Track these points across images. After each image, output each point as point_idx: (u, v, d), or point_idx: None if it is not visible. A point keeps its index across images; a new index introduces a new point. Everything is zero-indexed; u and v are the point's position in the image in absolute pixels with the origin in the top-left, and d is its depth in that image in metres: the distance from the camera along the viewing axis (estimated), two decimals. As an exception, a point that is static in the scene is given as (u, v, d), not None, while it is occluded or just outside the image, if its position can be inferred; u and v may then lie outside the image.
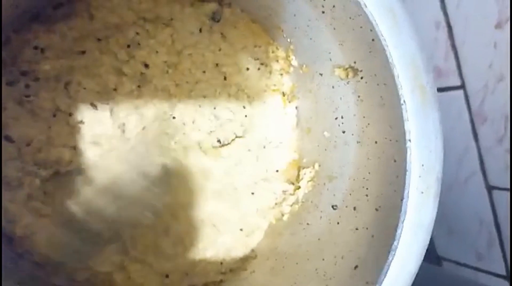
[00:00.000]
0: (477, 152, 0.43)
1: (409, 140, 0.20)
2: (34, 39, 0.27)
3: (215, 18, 0.30)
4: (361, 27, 0.22)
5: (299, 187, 0.32)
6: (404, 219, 0.19)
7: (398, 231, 0.19)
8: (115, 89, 0.29)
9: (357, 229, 0.25)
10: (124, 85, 0.29)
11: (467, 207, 0.47)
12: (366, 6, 0.19)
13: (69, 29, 0.28)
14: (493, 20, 0.36)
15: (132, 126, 0.29)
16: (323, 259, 0.26)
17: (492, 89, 0.39)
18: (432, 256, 0.55)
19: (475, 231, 0.47)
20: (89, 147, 0.28)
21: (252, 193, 0.32)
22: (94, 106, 0.28)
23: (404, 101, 0.19)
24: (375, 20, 0.19)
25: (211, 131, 0.31)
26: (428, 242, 0.20)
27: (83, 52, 0.28)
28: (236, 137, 0.32)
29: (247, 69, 0.31)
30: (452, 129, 0.45)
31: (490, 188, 0.44)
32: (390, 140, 0.23)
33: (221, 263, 0.31)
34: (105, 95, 0.28)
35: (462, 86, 0.42)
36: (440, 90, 0.44)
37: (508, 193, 0.42)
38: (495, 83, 0.38)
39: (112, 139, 0.28)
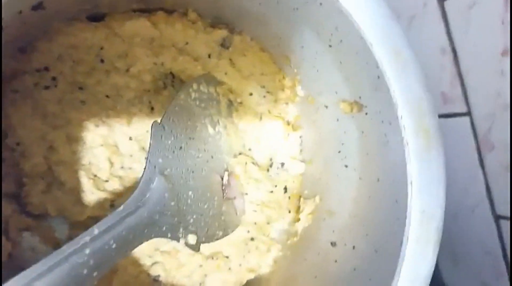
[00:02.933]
0: (484, 181, 0.42)
1: (411, 183, 0.19)
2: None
3: (224, 45, 0.30)
4: (367, 63, 0.21)
5: (299, 219, 0.31)
6: (401, 268, 0.18)
7: (395, 279, 0.18)
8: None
9: (355, 269, 0.24)
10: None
11: (474, 236, 0.46)
12: (372, 46, 0.18)
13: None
14: (499, 48, 0.35)
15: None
16: (318, 298, 0.25)
17: (499, 117, 0.38)
18: (438, 285, 0.54)
19: (481, 261, 0.46)
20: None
21: (255, 223, 0.31)
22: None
23: (407, 143, 0.19)
24: (381, 61, 0.18)
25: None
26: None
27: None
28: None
29: (250, 94, 0.31)
30: (457, 157, 0.44)
31: (497, 218, 0.42)
32: (393, 180, 0.22)
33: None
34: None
35: (468, 113, 0.41)
36: (445, 116, 0.43)
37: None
38: (502, 111, 0.37)
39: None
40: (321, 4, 0.21)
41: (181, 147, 0.27)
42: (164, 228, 0.23)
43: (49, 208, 0.28)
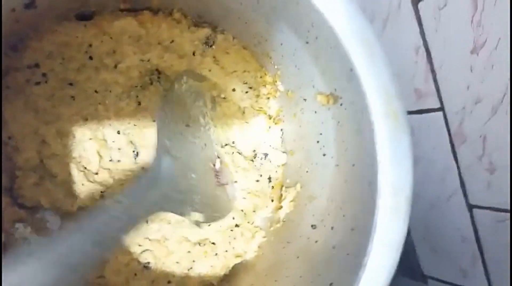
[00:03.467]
0: (457, 172, 0.45)
1: (380, 162, 0.21)
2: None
3: (208, 43, 0.32)
4: (340, 57, 0.23)
5: (281, 207, 0.33)
6: (373, 237, 0.20)
7: (369, 247, 0.20)
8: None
9: (333, 247, 0.26)
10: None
11: (450, 225, 0.48)
12: (343, 39, 0.21)
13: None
14: (469, 45, 0.38)
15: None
16: (301, 277, 0.27)
17: (469, 111, 0.40)
18: (417, 274, 0.56)
19: (458, 249, 0.48)
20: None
21: (242, 210, 0.33)
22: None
23: (377, 126, 0.21)
24: (352, 53, 0.21)
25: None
26: (398, 259, 0.21)
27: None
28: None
29: (233, 90, 0.33)
30: (433, 150, 0.46)
31: (470, 207, 0.45)
32: (366, 164, 0.24)
33: (203, 279, 0.32)
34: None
35: (442, 108, 0.43)
36: (420, 112, 0.46)
37: (488, 211, 0.43)
38: (473, 105, 0.40)
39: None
40: (297, 3, 0.23)
41: (181, 133, 0.29)
42: (174, 203, 0.26)
43: (42, 200, 0.29)
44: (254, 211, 0.33)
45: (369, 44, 0.21)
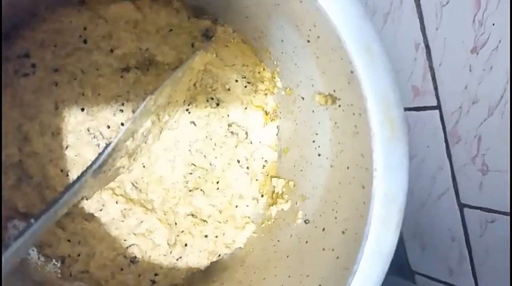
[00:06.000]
0: (450, 171, 0.45)
1: (375, 170, 0.21)
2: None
3: (207, 35, 0.32)
4: (341, 58, 0.23)
5: (273, 204, 0.33)
6: (365, 245, 0.20)
7: (359, 255, 0.20)
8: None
9: (323, 249, 0.26)
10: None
11: (440, 223, 0.49)
12: (345, 43, 0.20)
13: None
14: (469, 45, 0.38)
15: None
16: (289, 276, 0.27)
17: (466, 111, 0.40)
18: (406, 270, 0.57)
19: (446, 247, 0.49)
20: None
21: (230, 204, 0.33)
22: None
23: (374, 133, 0.21)
24: (353, 57, 0.20)
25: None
26: (387, 270, 0.21)
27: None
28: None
29: (236, 81, 0.32)
30: (427, 148, 0.46)
31: (461, 206, 0.45)
32: (361, 168, 0.24)
33: (191, 269, 0.32)
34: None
35: (438, 107, 0.43)
36: (417, 109, 0.46)
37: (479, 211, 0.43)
38: (469, 105, 0.40)
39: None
40: (301, 1, 0.22)
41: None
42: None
43: (18, 203, 0.28)
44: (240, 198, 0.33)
45: (371, 48, 0.20)
